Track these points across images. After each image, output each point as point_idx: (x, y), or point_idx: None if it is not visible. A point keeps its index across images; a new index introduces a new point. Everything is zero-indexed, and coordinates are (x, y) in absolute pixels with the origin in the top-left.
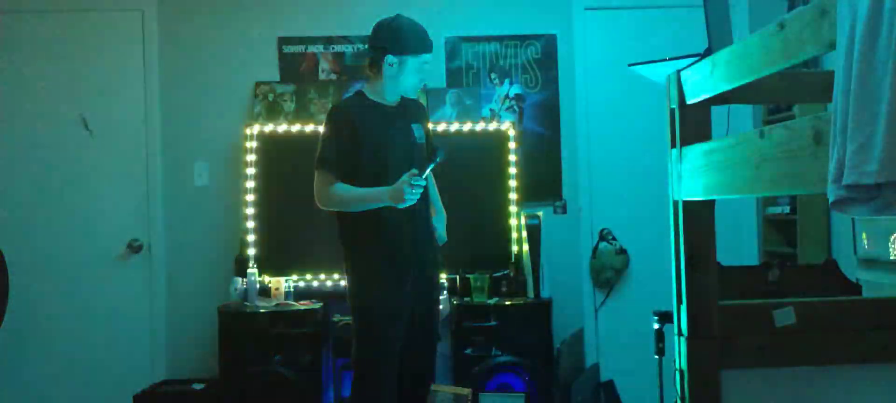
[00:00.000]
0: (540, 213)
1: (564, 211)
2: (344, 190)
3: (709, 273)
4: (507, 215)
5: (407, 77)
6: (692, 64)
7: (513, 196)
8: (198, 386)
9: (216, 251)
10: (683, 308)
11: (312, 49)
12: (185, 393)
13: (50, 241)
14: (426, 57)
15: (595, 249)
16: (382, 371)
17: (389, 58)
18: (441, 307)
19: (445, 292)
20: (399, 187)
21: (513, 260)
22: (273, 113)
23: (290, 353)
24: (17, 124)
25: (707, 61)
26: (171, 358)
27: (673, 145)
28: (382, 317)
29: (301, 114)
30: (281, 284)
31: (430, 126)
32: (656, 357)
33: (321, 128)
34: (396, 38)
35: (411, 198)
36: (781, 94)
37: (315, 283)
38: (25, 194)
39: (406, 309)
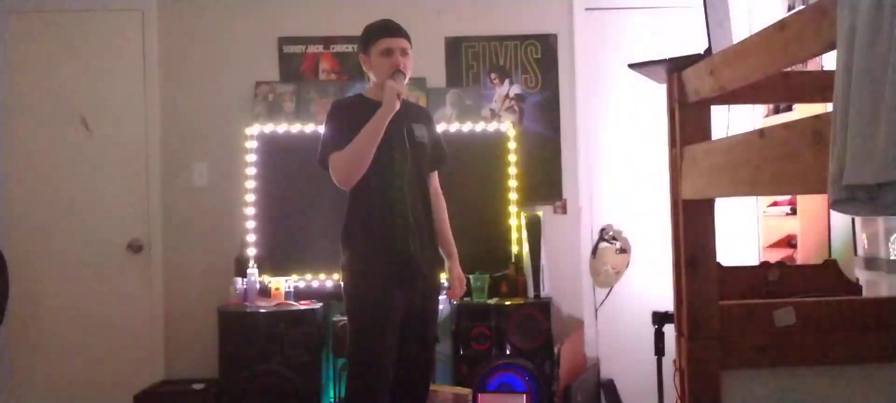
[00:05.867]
0: (540, 213)
1: (564, 211)
2: (347, 148)
3: (709, 273)
4: (507, 215)
5: (377, 66)
6: (692, 64)
7: (513, 196)
8: (198, 386)
9: (216, 251)
10: (683, 308)
11: (312, 49)
12: (184, 393)
13: (50, 241)
14: (386, 41)
15: (595, 249)
16: (375, 372)
17: (361, 56)
18: (441, 307)
19: (444, 294)
20: (387, 95)
21: (513, 260)
22: (273, 113)
23: (290, 353)
24: (18, 124)
25: (707, 61)
26: (171, 358)
27: (673, 145)
28: (375, 318)
29: (301, 114)
30: (281, 284)
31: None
32: (656, 356)
33: (321, 128)
34: (360, 39)
35: (399, 84)
36: (781, 94)
37: (315, 283)
38: (25, 194)
39: (400, 310)
